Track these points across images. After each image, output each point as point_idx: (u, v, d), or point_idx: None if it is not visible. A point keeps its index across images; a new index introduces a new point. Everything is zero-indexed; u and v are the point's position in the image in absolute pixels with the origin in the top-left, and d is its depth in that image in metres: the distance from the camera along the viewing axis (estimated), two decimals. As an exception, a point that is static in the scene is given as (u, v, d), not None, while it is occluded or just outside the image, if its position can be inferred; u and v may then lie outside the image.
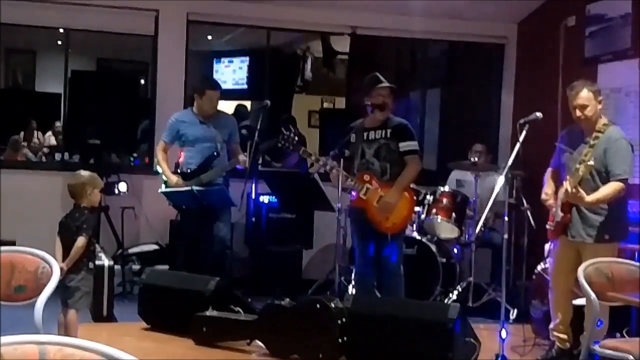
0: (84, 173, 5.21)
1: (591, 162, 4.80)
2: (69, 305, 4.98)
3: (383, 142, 5.98)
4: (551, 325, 5.38)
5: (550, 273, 5.44)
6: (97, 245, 5.32)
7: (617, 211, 5.12)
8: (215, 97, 6.91)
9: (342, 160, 5.86)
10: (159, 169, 6.95)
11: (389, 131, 5.98)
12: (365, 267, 6.07)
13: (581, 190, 4.82)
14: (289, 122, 9.81)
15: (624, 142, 5.10)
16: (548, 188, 5.34)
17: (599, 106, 5.12)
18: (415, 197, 6.78)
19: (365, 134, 6.03)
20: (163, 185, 6.82)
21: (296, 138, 6.02)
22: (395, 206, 5.87)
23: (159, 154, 6.97)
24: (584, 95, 5.07)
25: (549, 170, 5.45)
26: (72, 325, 4.96)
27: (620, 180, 4.98)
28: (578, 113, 5.10)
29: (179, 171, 6.84)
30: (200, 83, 7.23)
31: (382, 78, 6.01)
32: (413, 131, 6.15)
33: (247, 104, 11.53)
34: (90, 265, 5.08)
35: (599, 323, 4.49)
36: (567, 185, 4.89)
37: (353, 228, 6.22)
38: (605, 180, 5.01)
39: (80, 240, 4.96)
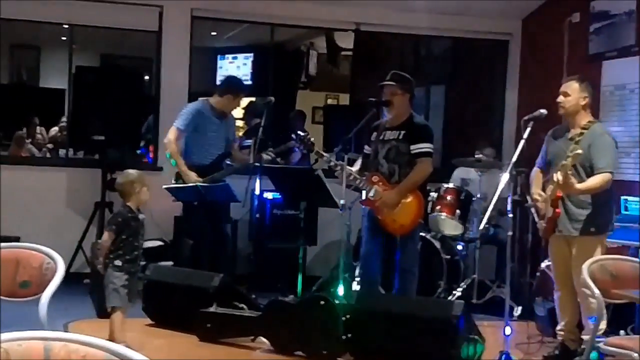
0: (132, 171, 5.15)
1: (579, 151, 4.80)
2: (107, 304, 4.93)
3: (394, 144, 5.86)
4: (558, 327, 5.36)
5: (553, 275, 5.43)
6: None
7: (603, 205, 5.17)
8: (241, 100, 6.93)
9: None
10: (173, 162, 6.72)
11: (402, 132, 5.86)
12: (370, 264, 6.01)
13: (572, 178, 4.83)
14: (299, 117, 9.80)
15: (608, 137, 5.17)
16: (537, 188, 5.34)
17: (583, 102, 5.18)
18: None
19: (383, 134, 5.95)
20: (173, 180, 6.74)
21: (312, 139, 5.98)
22: (395, 207, 5.76)
23: (173, 145, 6.67)
24: (570, 84, 5.23)
25: (535, 170, 5.45)
26: (113, 325, 4.90)
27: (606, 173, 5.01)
28: (558, 98, 5.24)
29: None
30: (238, 85, 7.08)
31: (392, 75, 5.96)
32: (430, 133, 6.01)
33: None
34: (117, 262, 4.94)
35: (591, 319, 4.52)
36: (557, 176, 4.90)
37: (366, 225, 6.14)
38: (590, 175, 5.06)
39: (104, 235, 4.93)
